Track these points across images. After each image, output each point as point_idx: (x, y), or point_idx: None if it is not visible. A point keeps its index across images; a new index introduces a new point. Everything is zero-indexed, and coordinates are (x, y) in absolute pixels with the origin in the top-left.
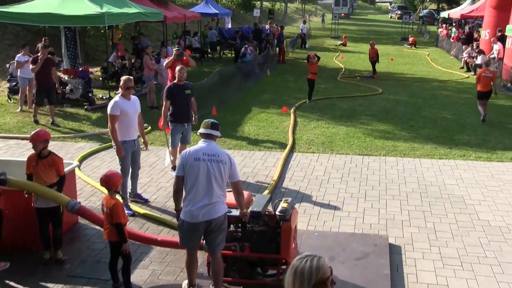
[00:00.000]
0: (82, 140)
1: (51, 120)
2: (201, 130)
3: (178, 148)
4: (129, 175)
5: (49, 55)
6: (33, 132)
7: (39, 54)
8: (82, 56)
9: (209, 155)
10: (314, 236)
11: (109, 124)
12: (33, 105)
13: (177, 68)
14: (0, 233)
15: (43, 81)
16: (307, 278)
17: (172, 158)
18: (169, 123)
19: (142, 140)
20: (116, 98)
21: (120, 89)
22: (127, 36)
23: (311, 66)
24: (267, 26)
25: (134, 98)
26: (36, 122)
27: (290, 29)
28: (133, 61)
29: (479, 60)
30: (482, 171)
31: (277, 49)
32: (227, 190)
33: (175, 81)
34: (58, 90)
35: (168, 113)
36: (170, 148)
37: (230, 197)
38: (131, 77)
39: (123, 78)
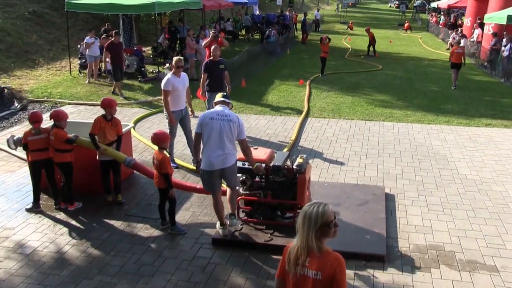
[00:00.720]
0: (136, 106)
1: (112, 91)
2: (216, 100)
3: None
4: (175, 137)
5: (110, 37)
6: (108, 99)
7: (111, 38)
8: (137, 38)
9: (222, 116)
10: (324, 186)
11: (162, 97)
12: (114, 82)
13: (212, 47)
14: (71, 180)
15: (118, 61)
16: (314, 220)
17: None
18: (206, 92)
19: (190, 109)
20: (169, 75)
21: (172, 67)
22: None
23: (323, 46)
24: (287, 13)
25: (183, 75)
26: (124, 98)
27: (308, 16)
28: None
29: (462, 43)
30: (462, 134)
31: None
32: (253, 147)
33: (211, 58)
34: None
35: (205, 84)
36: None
37: (257, 153)
38: (182, 58)
39: (175, 58)
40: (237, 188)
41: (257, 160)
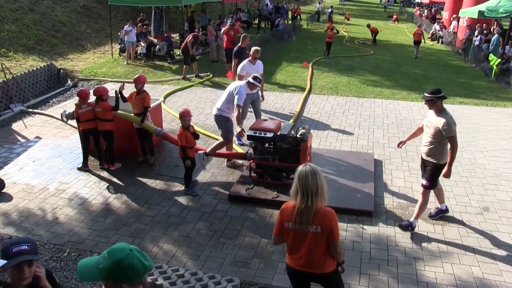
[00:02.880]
0: (166, 83)
1: (183, 76)
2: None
3: None
4: (245, 118)
5: (145, 26)
6: (137, 77)
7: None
8: (166, 26)
9: (233, 84)
10: (323, 152)
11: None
12: (184, 65)
13: (243, 35)
14: (112, 145)
15: (185, 48)
16: (304, 177)
17: None
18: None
19: (261, 94)
20: (245, 62)
21: (249, 56)
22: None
23: (328, 33)
24: (284, 5)
25: (259, 63)
26: (185, 78)
27: (310, 7)
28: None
29: (440, 32)
30: None
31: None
32: (263, 119)
33: (241, 44)
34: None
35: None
36: None
37: (267, 124)
38: (259, 49)
39: (253, 48)
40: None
41: (267, 129)
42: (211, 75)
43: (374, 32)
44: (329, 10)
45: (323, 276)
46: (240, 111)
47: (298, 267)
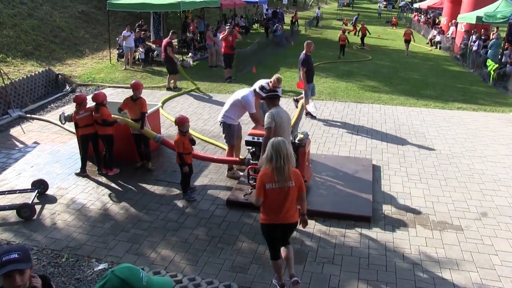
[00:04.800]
0: (164, 89)
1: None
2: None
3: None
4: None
5: (143, 31)
6: (133, 83)
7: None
8: (165, 32)
9: (239, 92)
10: (321, 158)
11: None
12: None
13: (307, 42)
14: (111, 149)
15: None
16: (277, 144)
17: (310, 105)
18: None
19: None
20: (302, 54)
21: (269, 84)
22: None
23: (341, 36)
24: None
25: (279, 89)
26: (175, 88)
27: (308, 13)
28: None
29: (438, 38)
30: (438, 116)
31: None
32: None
33: (306, 52)
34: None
35: (305, 76)
36: (307, 99)
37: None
38: (281, 78)
39: (276, 76)
40: (231, 144)
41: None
42: (197, 86)
43: (363, 33)
44: (317, 11)
45: (292, 225)
46: (258, 117)
47: (277, 222)
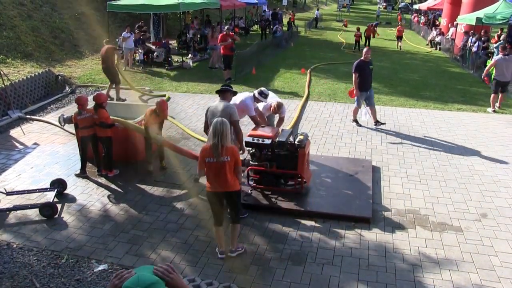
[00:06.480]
0: (163, 90)
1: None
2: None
3: (368, 108)
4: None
5: (143, 33)
6: (161, 103)
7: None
8: (164, 33)
9: (238, 96)
10: (321, 159)
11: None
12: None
13: (365, 49)
14: (111, 151)
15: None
16: (215, 124)
17: (362, 115)
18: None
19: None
20: (264, 110)
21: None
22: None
23: (356, 34)
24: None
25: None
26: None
27: (308, 14)
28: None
29: (438, 39)
30: (437, 117)
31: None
32: (261, 126)
33: (363, 58)
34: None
35: (357, 83)
36: (357, 107)
37: (265, 131)
38: (282, 104)
39: (277, 103)
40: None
41: (264, 136)
42: (167, 96)
43: (367, 36)
44: (316, 13)
45: (232, 193)
46: (258, 119)
47: (218, 190)
